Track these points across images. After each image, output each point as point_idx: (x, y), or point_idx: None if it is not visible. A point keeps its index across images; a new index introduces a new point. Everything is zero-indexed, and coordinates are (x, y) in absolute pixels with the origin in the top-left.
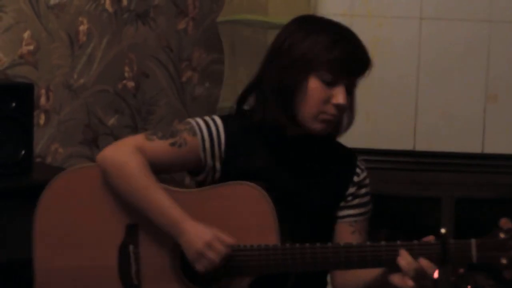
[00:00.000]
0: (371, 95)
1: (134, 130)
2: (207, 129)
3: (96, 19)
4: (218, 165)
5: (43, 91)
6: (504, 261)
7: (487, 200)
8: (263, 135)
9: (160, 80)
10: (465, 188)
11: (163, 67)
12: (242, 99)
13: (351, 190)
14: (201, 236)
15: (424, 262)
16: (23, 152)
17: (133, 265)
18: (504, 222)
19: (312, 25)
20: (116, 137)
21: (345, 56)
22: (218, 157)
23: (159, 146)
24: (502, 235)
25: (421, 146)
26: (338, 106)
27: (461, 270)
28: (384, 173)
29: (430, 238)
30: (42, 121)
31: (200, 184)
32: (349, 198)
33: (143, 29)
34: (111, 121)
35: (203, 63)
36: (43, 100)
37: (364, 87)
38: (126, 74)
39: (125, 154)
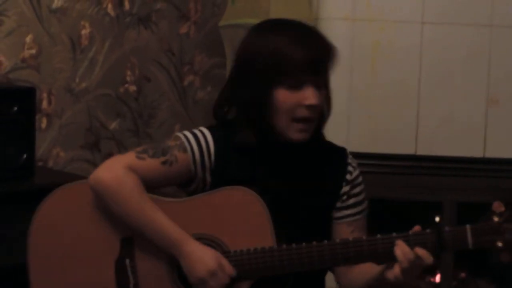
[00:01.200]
0: (373, 99)
1: (136, 134)
2: (196, 142)
3: (98, 23)
4: (208, 177)
5: (45, 95)
6: (500, 244)
7: (489, 204)
8: (250, 143)
9: (162, 84)
10: (466, 192)
11: (165, 71)
12: (217, 111)
13: (345, 189)
14: (205, 262)
15: (420, 251)
16: (25, 155)
17: (131, 278)
18: (497, 206)
19: (271, 30)
20: (118, 141)
21: (304, 57)
22: (208, 168)
23: (151, 165)
24: (496, 219)
25: (422, 150)
26: (310, 107)
27: (463, 275)
28: (385, 177)
29: (417, 229)
30: (44, 125)
31: (191, 194)
32: (344, 198)
33: (145, 33)
34: (113, 125)
35: (205, 67)
36: (45, 103)
37: (366, 91)
38: (128, 78)
39: (119, 176)
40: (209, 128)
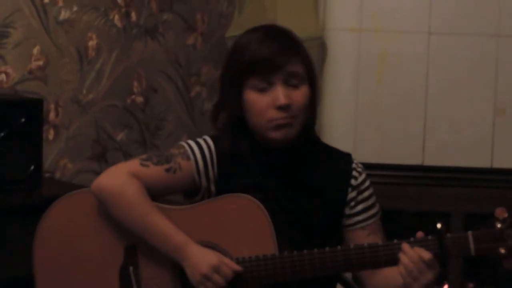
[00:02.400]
0: (380, 109)
1: (143, 145)
2: (200, 152)
3: (105, 35)
4: (212, 186)
5: (52, 106)
6: (502, 250)
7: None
8: (252, 150)
9: (168, 95)
10: (474, 203)
11: (171, 82)
12: (213, 118)
13: (352, 194)
14: (206, 259)
15: (425, 255)
16: (32, 167)
17: (134, 286)
18: (499, 212)
19: (234, 43)
20: (125, 152)
21: (258, 55)
22: (212, 178)
23: (154, 172)
24: (498, 225)
25: (430, 161)
26: (281, 108)
27: (471, 285)
28: (393, 188)
29: (420, 235)
30: (51, 136)
31: None
32: (352, 204)
33: (152, 44)
34: (120, 136)
35: (212, 78)
36: (52, 115)
37: (373, 101)
38: (135, 89)
39: (121, 182)
40: (213, 137)
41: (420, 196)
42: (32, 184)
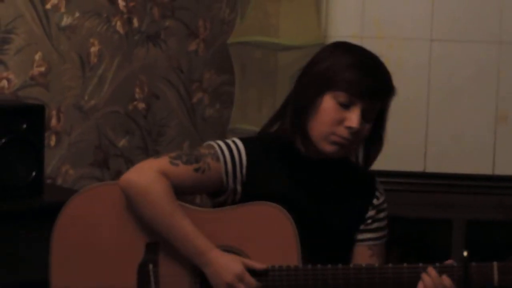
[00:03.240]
0: None
1: (145, 151)
2: (229, 153)
3: (107, 41)
4: (239, 187)
5: (54, 113)
6: None
7: (498, 221)
8: (283, 158)
9: (170, 101)
10: (475, 210)
11: (173, 89)
12: (265, 127)
13: (371, 213)
14: (230, 268)
15: (446, 281)
16: (34, 173)
17: (152, 284)
18: None
19: (339, 48)
20: (127, 159)
21: (361, 78)
22: (239, 180)
23: (184, 171)
24: None
25: (431, 168)
26: (350, 129)
27: None
28: (394, 195)
29: (450, 262)
30: (53, 143)
31: (218, 205)
32: (369, 221)
33: (154, 51)
34: (122, 142)
35: (214, 84)
36: (54, 121)
37: None
38: (136, 95)
39: (150, 179)
40: (242, 139)
41: (422, 203)
42: (33, 190)
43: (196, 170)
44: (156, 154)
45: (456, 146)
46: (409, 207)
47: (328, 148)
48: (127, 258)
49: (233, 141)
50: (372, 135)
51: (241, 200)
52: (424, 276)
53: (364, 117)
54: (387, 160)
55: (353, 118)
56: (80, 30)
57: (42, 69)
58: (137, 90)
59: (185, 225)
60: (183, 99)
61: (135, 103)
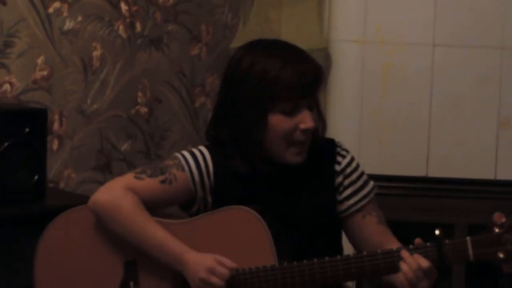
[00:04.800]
0: (384, 121)
1: (147, 155)
2: (194, 162)
3: (110, 45)
4: (208, 196)
5: (56, 117)
6: (501, 255)
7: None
8: (244, 159)
9: (173, 106)
10: (478, 215)
11: (176, 93)
12: (210, 132)
13: (338, 180)
14: (202, 263)
15: (424, 263)
16: (36, 177)
17: None
18: (497, 217)
19: (258, 50)
20: (129, 163)
21: (299, 79)
22: (208, 188)
23: (150, 184)
24: (496, 230)
25: (433, 173)
26: (307, 131)
27: None
28: (397, 200)
29: (418, 241)
30: (55, 147)
31: (193, 216)
32: (341, 189)
33: (157, 55)
34: (124, 146)
35: (216, 88)
36: (56, 125)
37: (377, 113)
38: (139, 100)
39: (117, 196)
40: (208, 147)
41: (424, 208)
42: (36, 194)
43: (163, 182)
44: (159, 158)
45: (458, 151)
46: (411, 211)
47: (293, 159)
48: (108, 278)
49: (199, 150)
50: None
51: (213, 208)
52: (401, 264)
53: (311, 110)
54: (390, 164)
55: (306, 119)
56: (83, 34)
57: (45, 73)
58: (140, 94)
59: (158, 234)
60: (185, 103)
61: (137, 107)
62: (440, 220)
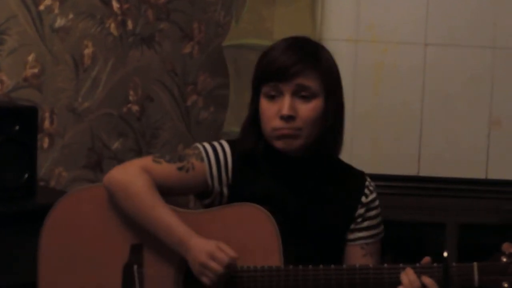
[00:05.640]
0: (376, 120)
1: (139, 153)
2: (214, 155)
3: (101, 43)
4: (225, 190)
5: (47, 114)
6: (505, 284)
7: (491, 225)
8: (269, 159)
9: (164, 104)
10: (469, 214)
11: (167, 91)
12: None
13: (360, 211)
14: (203, 247)
15: (426, 280)
16: (26, 175)
17: (137, 285)
18: (506, 247)
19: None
20: (120, 161)
21: (275, 59)
22: (225, 182)
23: (166, 169)
24: (504, 259)
25: (425, 172)
26: (284, 118)
27: None
28: (388, 198)
29: (426, 260)
30: (46, 145)
31: (207, 207)
32: (359, 220)
33: (148, 53)
34: (115, 144)
35: (208, 87)
36: (47, 123)
37: (369, 111)
38: (130, 98)
39: (132, 175)
40: (229, 141)
41: (415, 207)
42: (26, 192)
43: (180, 169)
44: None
45: (450, 150)
46: (402, 210)
47: (278, 144)
48: (113, 259)
49: (220, 143)
50: (325, 114)
51: (228, 202)
52: (403, 277)
53: (300, 97)
54: (381, 163)
55: (283, 105)
56: (74, 32)
57: (35, 70)
58: (131, 92)
59: (166, 216)
60: (177, 101)
61: (129, 105)
62: (431, 219)
